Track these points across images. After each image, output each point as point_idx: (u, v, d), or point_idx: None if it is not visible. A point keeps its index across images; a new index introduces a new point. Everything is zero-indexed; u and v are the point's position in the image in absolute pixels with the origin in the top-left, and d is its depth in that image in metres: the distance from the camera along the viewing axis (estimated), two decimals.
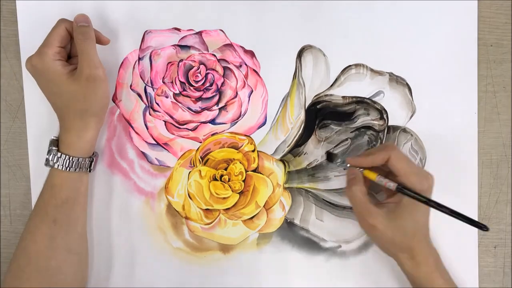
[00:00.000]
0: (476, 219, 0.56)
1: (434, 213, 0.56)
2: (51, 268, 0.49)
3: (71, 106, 0.49)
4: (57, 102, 0.50)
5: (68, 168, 0.50)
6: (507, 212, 0.57)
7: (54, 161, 0.50)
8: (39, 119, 0.55)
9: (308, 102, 0.56)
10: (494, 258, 0.57)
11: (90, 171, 0.52)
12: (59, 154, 0.50)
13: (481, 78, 0.57)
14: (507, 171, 0.57)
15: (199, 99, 0.56)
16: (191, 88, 0.56)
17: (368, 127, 0.57)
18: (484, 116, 0.57)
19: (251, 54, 0.56)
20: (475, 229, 0.56)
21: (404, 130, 0.57)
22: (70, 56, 0.52)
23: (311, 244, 0.57)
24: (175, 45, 0.56)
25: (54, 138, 0.52)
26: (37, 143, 0.55)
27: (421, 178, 0.49)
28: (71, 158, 0.50)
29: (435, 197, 0.56)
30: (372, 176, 0.51)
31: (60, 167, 0.50)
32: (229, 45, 0.56)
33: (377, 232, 0.50)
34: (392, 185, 0.49)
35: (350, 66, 0.56)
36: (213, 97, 0.56)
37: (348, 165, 0.53)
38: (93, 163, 0.52)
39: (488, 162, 0.57)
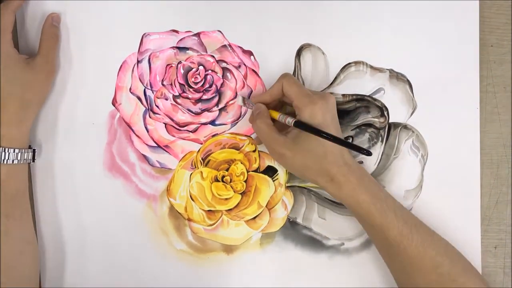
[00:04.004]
0: (478, 216, 0.56)
1: (435, 214, 0.56)
2: (10, 262, 0.50)
3: (18, 95, 0.50)
4: (5, 90, 0.50)
5: (13, 161, 0.50)
6: (507, 213, 0.57)
7: (0, 158, 0.50)
8: (38, 120, 0.55)
9: None
10: (494, 259, 0.57)
11: (33, 161, 0.53)
12: (2, 148, 0.50)
13: (481, 78, 0.57)
14: (507, 172, 0.57)
15: (198, 100, 0.56)
16: (191, 89, 0.56)
17: (369, 125, 0.56)
18: (484, 116, 0.57)
19: (250, 54, 0.56)
20: (478, 230, 0.56)
21: (405, 126, 0.56)
22: None
23: (314, 243, 0.57)
24: (173, 47, 0.56)
25: None
26: (35, 143, 0.55)
27: (314, 98, 0.49)
28: (15, 150, 0.50)
29: (437, 192, 0.56)
30: (275, 115, 0.51)
31: (7, 162, 0.50)
32: (228, 46, 0.56)
33: (288, 160, 0.50)
34: (290, 120, 0.49)
35: (349, 63, 0.56)
36: (212, 98, 0.56)
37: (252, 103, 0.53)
38: (35, 153, 0.53)
39: (489, 162, 0.57)
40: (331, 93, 0.55)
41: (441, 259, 0.49)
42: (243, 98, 0.54)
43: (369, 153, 0.44)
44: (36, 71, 0.51)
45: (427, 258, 0.49)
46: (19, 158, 0.50)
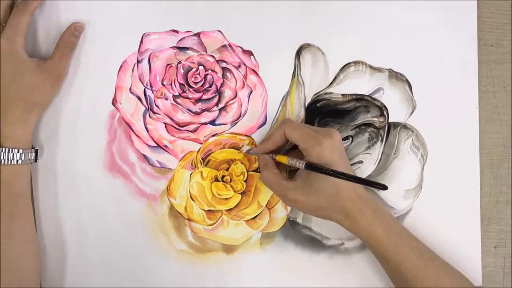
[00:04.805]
0: (478, 215, 0.56)
1: (436, 213, 0.56)
2: (13, 262, 0.50)
3: (24, 97, 0.51)
4: (11, 90, 0.50)
5: (17, 162, 0.50)
6: (507, 213, 0.57)
7: (4, 157, 0.50)
8: (38, 120, 0.55)
9: (308, 101, 0.56)
10: (494, 258, 0.57)
11: (36, 161, 0.53)
12: (7, 149, 0.50)
13: (481, 78, 0.57)
14: (507, 172, 0.57)
15: (198, 100, 0.56)
16: (191, 89, 0.56)
17: (369, 124, 0.57)
18: (484, 116, 0.57)
19: (250, 54, 0.56)
20: (478, 229, 0.56)
21: (405, 126, 0.57)
22: None
23: (314, 242, 0.57)
24: (173, 47, 0.56)
25: None
26: (35, 143, 0.55)
27: (319, 138, 0.48)
28: (19, 151, 0.50)
29: (437, 192, 0.56)
30: (283, 159, 0.51)
31: (11, 162, 0.50)
32: (228, 46, 0.56)
33: (302, 204, 0.49)
34: (301, 164, 0.49)
35: (349, 63, 0.56)
36: (212, 98, 0.56)
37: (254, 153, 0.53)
38: (38, 153, 0.53)
39: (489, 162, 0.57)
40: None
41: None
42: (248, 149, 0.55)
43: (384, 188, 0.43)
44: (45, 75, 0.52)
45: None
46: (23, 159, 0.51)
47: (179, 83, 0.56)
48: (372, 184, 0.44)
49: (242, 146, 0.56)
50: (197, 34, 0.56)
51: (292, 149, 0.52)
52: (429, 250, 0.51)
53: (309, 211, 0.51)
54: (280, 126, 0.51)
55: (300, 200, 0.49)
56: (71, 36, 0.54)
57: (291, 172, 0.53)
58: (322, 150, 0.48)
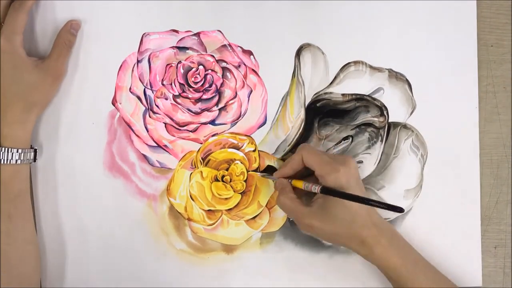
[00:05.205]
0: (478, 215, 0.56)
1: (436, 213, 0.56)
2: (13, 262, 0.50)
3: (24, 97, 0.50)
4: (11, 90, 0.50)
5: (16, 161, 0.50)
6: (507, 213, 0.57)
7: (3, 157, 0.50)
8: (38, 119, 0.55)
9: (308, 101, 0.56)
10: (494, 259, 0.57)
11: (35, 161, 0.53)
12: (6, 149, 0.50)
13: (481, 78, 0.57)
14: (507, 172, 0.57)
15: (198, 100, 0.56)
16: (191, 89, 0.56)
17: (369, 124, 0.56)
18: (484, 116, 0.57)
19: (250, 54, 0.56)
20: (478, 229, 0.56)
21: (405, 126, 0.57)
22: None
23: (314, 242, 0.57)
24: (173, 46, 0.56)
25: None
26: (35, 143, 0.55)
27: (335, 165, 0.48)
28: (18, 150, 0.50)
29: (437, 192, 0.56)
30: (299, 184, 0.51)
31: (10, 162, 0.50)
32: (228, 46, 0.56)
33: (318, 230, 0.49)
34: (317, 188, 0.49)
35: (349, 63, 0.56)
36: (212, 97, 0.56)
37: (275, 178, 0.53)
38: (36, 153, 0.53)
39: (488, 162, 0.57)
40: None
41: None
42: (264, 175, 0.55)
43: (401, 210, 0.42)
44: (43, 74, 0.51)
45: None
46: (22, 158, 0.51)
47: (179, 83, 0.56)
48: (389, 207, 0.43)
49: (242, 147, 0.56)
50: (197, 34, 0.56)
51: (309, 175, 0.52)
52: (445, 278, 0.51)
53: (324, 237, 0.52)
54: (298, 152, 0.51)
55: (315, 226, 0.49)
56: (68, 34, 0.53)
57: (308, 198, 0.53)
58: (338, 177, 0.48)
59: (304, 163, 0.51)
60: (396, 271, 0.49)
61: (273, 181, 0.55)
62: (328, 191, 0.47)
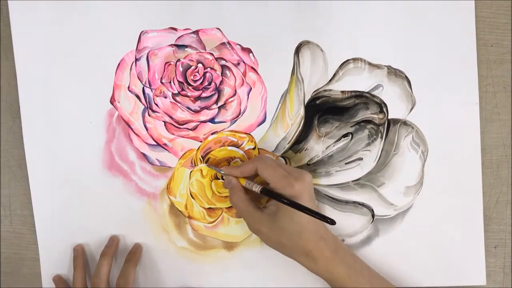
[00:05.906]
0: (481, 212, 0.56)
1: (437, 210, 0.56)
2: None
3: None
4: None
5: None
6: (507, 213, 0.57)
7: None
8: (35, 119, 0.55)
9: (307, 98, 0.56)
10: (495, 258, 0.57)
11: None
12: None
13: (481, 78, 0.57)
14: (507, 172, 0.57)
15: (198, 98, 0.56)
16: (190, 87, 0.56)
17: (368, 121, 0.56)
18: (484, 116, 0.57)
19: (249, 51, 0.56)
20: (481, 229, 0.56)
21: (405, 123, 0.57)
22: None
23: None
24: (172, 45, 0.55)
25: None
26: (33, 143, 0.55)
27: (290, 180, 0.48)
28: None
29: (438, 189, 0.56)
30: (242, 182, 0.51)
31: None
32: (227, 43, 0.55)
33: (264, 236, 0.50)
34: (257, 188, 0.49)
35: (348, 60, 0.56)
36: (212, 96, 0.56)
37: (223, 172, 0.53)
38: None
39: (488, 162, 0.57)
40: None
41: None
42: (211, 167, 0.55)
43: (332, 222, 0.44)
44: None
45: None
46: None
47: (178, 81, 0.55)
48: (322, 218, 0.45)
49: (242, 144, 0.56)
50: (196, 32, 0.55)
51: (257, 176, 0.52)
52: (391, 285, 0.52)
53: (270, 245, 0.51)
54: (253, 161, 0.51)
55: (263, 232, 0.50)
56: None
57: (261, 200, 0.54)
58: (292, 192, 0.48)
59: (258, 173, 0.50)
60: (339, 281, 0.49)
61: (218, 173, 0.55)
62: (268, 192, 0.48)
